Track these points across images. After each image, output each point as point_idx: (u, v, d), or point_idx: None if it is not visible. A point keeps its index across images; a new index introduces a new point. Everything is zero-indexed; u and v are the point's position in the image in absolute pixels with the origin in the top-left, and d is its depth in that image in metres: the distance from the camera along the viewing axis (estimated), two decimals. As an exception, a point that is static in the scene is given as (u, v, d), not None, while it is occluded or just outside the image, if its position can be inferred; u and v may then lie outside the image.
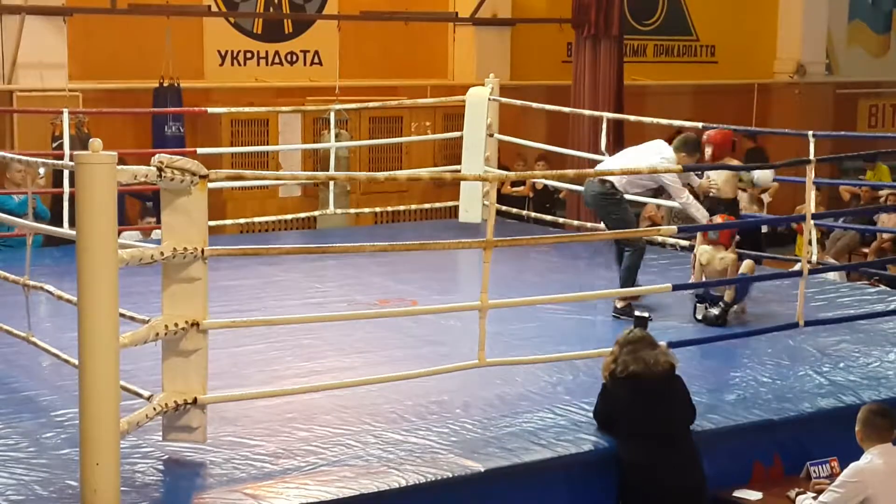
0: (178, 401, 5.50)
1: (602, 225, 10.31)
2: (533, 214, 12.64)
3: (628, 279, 8.57)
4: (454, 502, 5.60)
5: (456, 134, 12.64)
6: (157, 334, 5.39)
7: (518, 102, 12.38)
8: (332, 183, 12.31)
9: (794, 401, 6.79)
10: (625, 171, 8.30)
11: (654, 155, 8.65)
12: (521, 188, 14.48)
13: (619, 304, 8.49)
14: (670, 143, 8.90)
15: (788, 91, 19.07)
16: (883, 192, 14.78)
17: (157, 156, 5.33)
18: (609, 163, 8.98)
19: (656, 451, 5.84)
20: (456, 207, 12.42)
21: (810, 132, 9.70)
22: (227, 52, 14.92)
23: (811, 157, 8.97)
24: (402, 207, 13.20)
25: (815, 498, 5.98)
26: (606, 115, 11.72)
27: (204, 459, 5.58)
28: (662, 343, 6.52)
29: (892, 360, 7.63)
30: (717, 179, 8.83)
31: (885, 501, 5.81)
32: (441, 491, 5.53)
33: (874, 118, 20.51)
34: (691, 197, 8.71)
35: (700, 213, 8.66)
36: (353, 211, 12.93)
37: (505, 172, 11.88)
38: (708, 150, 8.81)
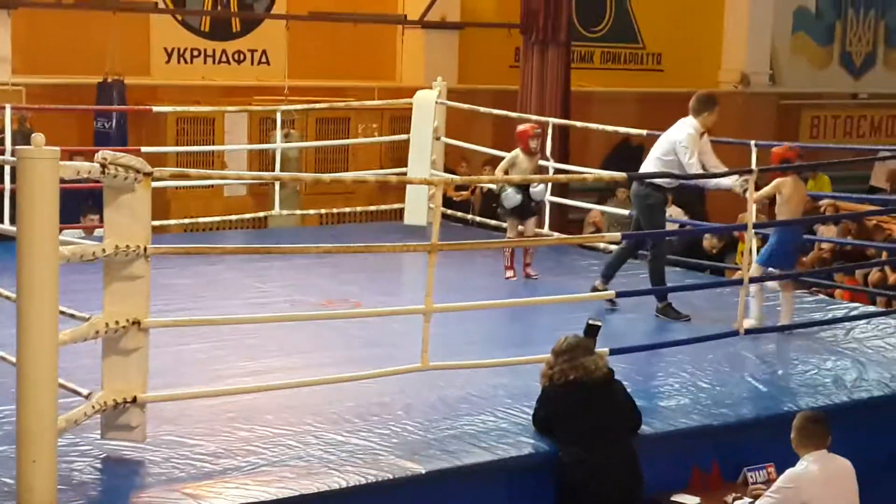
0: (117, 399, 5.46)
1: (537, 230, 10.50)
2: (478, 218, 12.67)
3: (658, 283, 8.87)
4: (394, 504, 5.61)
5: (403, 137, 12.65)
6: (98, 332, 5.35)
7: (465, 106, 12.41)
8: (277, 183, 12.26)
9: (733, 407, 6.87)
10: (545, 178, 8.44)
11: (679, 131, 8.77)
12: (466, 192, 14.51)
13: (661, 305, 8.82)
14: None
15: (732, 100, 19.22)
16: (823, 203, 14.97)
17: (100, 152, 5.29)
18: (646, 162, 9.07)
19: (594, 455, 5.87)
20: (401, 210, 12.42)
21: (752, 142, 9.81)
22: (173, 49, 14.83)
23: (753, 166, 9.06)
24: (347, 209, 13.18)
25: (752, 503, 6.05)
26: (552, 120, 11.78)
27: (143, 458, 5.55)
28: (601, 349, 6.58)
29: (829, 367, 7.74)
30: None
31: (820, 507, 5.89)
32: (382, 492, 5.54)
33: (816, 129, 20.77)
34: (698, 163, 8.67)
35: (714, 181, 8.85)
36: (298, 212, 12.89)
37: (451, 176, 11.91)
38: None
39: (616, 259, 9.11)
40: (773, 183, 8.51)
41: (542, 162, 11.41)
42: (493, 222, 12.34)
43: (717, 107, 8.88)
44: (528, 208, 10.02)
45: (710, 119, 8.78)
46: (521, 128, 10.09)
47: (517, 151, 9.97)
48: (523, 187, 9.82)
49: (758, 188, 8.29)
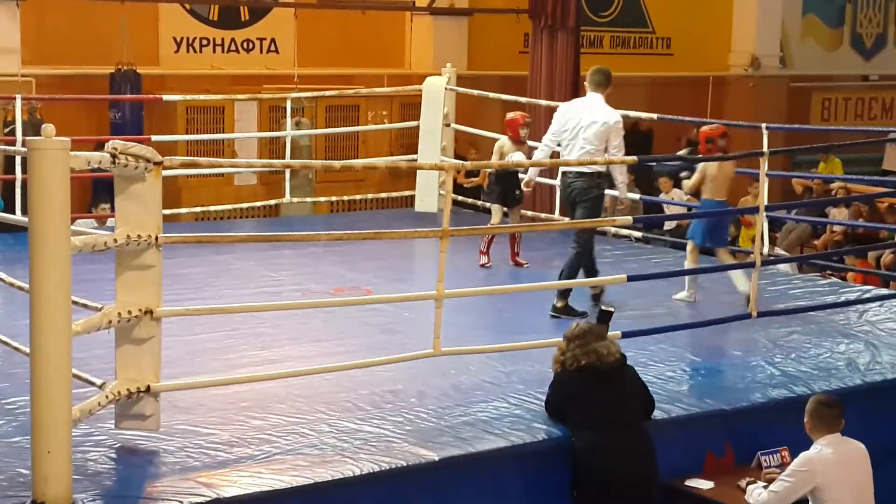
0: (130, 389, 5.47)
1: (558, 215, 10.39)
2: (488, 205, 12.64)
3: (571, 276, 8.36)
4: (408, 491, 5.61)
5: (412, 123, 12.64)
6: (110, 322, 5.35)
7: (475, 92, 12.39)
8: (288, 171, 12.26)
9: (746, 391, 6.86)
10: (581, 161, 8.29)
11: (605, 112, 8.51)
12: (477, 178, 14.47)
13: (559, 304, 8.33)
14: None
15: (743, 84, 19.20)
16: (834, 185, 14.94)
17: (111, 142, 5.29)
18: (568, 150, 8.67)
19: (608, 440, 5.87)
20: (412, 197, 12.42)
21: (764, 124, 9.77)
22: (182, 38, 14.82)
23: (765, 149, 9.04)
24: (358, 196, 13.19)
25: (765, 487, 6.04)
26: (563, 105, 11.72)
27: (157, 448, 5.56)
28: (614, 333, 6.58)
29: (842, 351, 7.72)
30: None
31: (834, 490, 5.88)
32: (395, 480, 5.54)
33: (827, 111, 20.71)
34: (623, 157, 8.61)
35: (624, 185, 8.74)
36: (308, 200, 12.89)
37: (461, 162, 11.89)
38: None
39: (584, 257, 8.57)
40: (699, 167, 8.92)
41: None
42: (505, 209, 12.33)
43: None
44: (512, 195, 9.92)
45: (608, 92, 8.65)
46: (510, 116, 10.04)
47: (504, 139, 9.94)
48: (510, 174, 9.79)
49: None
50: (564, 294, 8.31)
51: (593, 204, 8.43)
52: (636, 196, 10.71)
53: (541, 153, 8.81)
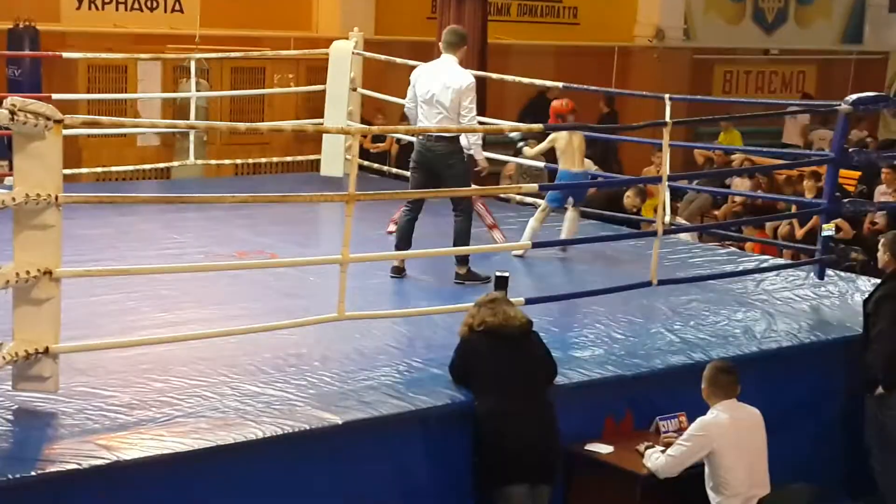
0: (28, 350, 5.39)
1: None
2: (394, 170, 12.64)
3: (465, 244, 8.28)
4: (311, 454, 5.62)
5: (319, 87, 12.54)
6: (8, 282, 5.26)
7: (382, 57, 12.33)
8: (191, 133, 12.10)
9: (646, 357, 6.97)
10: (494, 128, 8.32)
11: (458, 74, 8.29)
12: (383, 144, 14.46)
13: (461, 271, 8.32)
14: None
15: (647, 55, 19.39)
16: (735, 157, 15.19)
17: (9, 98, 5.18)
18: (425, 116, 8.39)
19: (510, 405, 5.93)
20: (318, 161, 12.35)
21: (667, 95, 9.87)
22: (84, -5, 14.53)
23: (667, 118, 9.15)
24: (263, 160, 13.08)
25: (663, 451, 6.16)
26: (470, 72, 11.72)
27: (56, 410, 5.48)
28: (517, 299, 6.64)
29: (739, 318, 7.88)
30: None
31: (730, 454, 6.02)
32: (298, 443, 5.54)
33: (728, 84, 21.02)
34: (477, 123, 8.55)
35: (477, 146, 8.64)
36: (213, 162, 12.75)
37: (367, 127, 11.85)
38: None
39: (463, 237, 8.38)
40: (549, 137, 9.24)
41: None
42: (409, 173, 12.33)
43: (468, 43, 8.77)
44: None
45: (462, 54, 8.55)
46: (556, 104, 9.54)
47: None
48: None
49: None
50: (463, 261, 8.30)
51: (460, 169, 8.29)
52: (488, 156, 10.26)
53: (411, 122, 8.66)
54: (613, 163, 15.90)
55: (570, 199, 9.44)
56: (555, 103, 9.20)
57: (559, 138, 9.12)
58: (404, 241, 8.31)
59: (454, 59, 8.39)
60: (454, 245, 8.29)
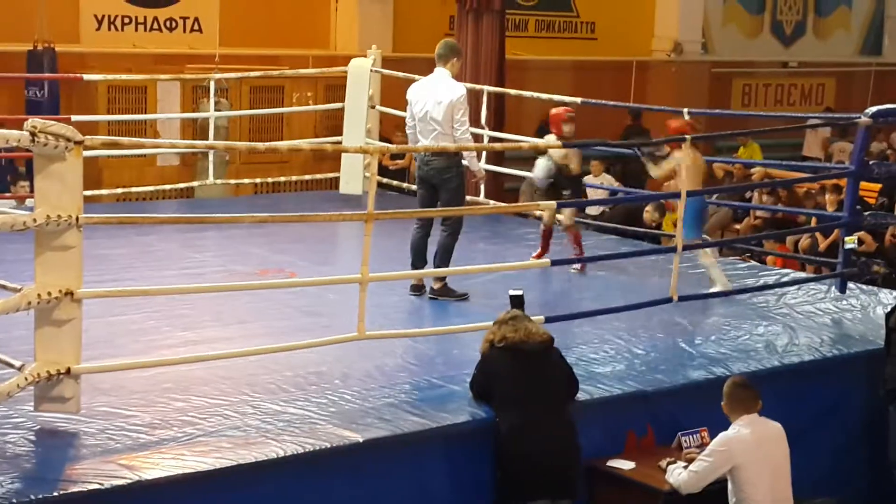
0: (50, 371, 5.40)
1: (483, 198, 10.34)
2: (413, 187, 12.65)
3: (445, 260, 8.22)
4: (332, 473, 5.62)
5: (337, 105, 12.58)
6: (30, 303, 5.28)
7: (400, 74, 12.35)
8: (211, 152, 12.15)
9: (667, 373, 6.94)
10: (502, 146, 8.30)
11: (446, 89, 8.21)
12: (402, 161, 14.48)
13: (437, 286, 8.24)
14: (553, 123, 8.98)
15: (665, 69, 19.38)
16: (755, 170, 15.15)
17: (30, 120, 5.21)
18: (421, 133, 8.34)
19: (531, 421, 5.92)
20: (337, 179, 12.37)
21: (685, 109, 9.87)
22: (103, 16, 14.62)
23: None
24: (282, 178, 13.11)
25: (685, 467, 6.13)
26: (487, 88, 11.76)
27: (77, 430, 5.49)
28: (537, 317, 6.64)
29: (761, 333, 7.84)
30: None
31: (752, 469, 5.99)
32: (319, 461, 5.54)
33: (747, 97, 20.99)
34: (470, 136, 8.37)
35: (474, 158, 8.55)
36: (232, 181, 12.78)
37: (386, 144, 11.87)
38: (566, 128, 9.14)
39: (445, 253, 8.28)
40: (674, 157, 8.65)
41: (476, 130, 11.40)
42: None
43: (461, 56, 8.58)
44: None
45: (457, 66, 8.41)
46: (554, 112, 9.42)
47: (551, 137, 9.27)
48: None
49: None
50: (441, 276, 8.21)
51: (456, 184, 8.23)
52: (486, 167, 10.11)
53: (410, 142, 8.58)
54: (642, 178, 15.83)
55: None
56: (672, 122, 8.93)
57: (685, 157, 8.40)
58: (419, 257, 8.28)
59: (446, 73, 8.32)
60: (435, 259, 8.22)
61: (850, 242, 8.64)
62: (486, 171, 11.14)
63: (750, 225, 14.22)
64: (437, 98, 8.18)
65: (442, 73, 8.33)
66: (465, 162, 8.45)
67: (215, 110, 12.35)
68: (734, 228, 14.47)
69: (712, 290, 8.46)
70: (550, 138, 9.20)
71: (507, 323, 6.21)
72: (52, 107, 12.80)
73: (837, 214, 9.80)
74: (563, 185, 9.16)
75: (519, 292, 6.96)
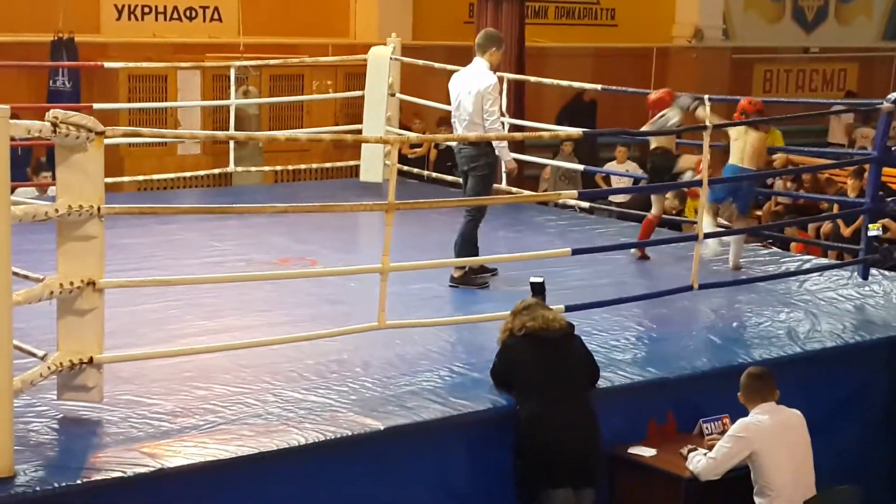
0: (73, 360, 5.43)
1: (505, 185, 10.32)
2: (434, 174, 12.66)
3: (465, 247, 8.22)
4: (354, 460, 5.63)
5: (357, 93, 12.59)
6: (52, 293, 5.31)
7: (420, 62, 12.35)
8: (231, 142, 12.16)
9: (689, 360, 6.93)
10: (529, 133, 8.26)
11: (476, 79, 8.27)
12: (421, 149, 14.47)
13: (457, 274, 8.27)
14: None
15: (686, 55, 19.29)
16: (776, 157, 15.07)
17: (51, 111, 5.23)
18: (456, 121, 8.47)
19: (552, 409, 5.92)
20: (357, 166, 12.38)
21: (706, 96, 9.82)
22: (124, 6, 14.63)
23: (707, 121, 9.10)
24: (303, 166, 13.13)
25: (706, 454, 6.12)
26: (507, 75, 11.74)
27: (100, 418, 5.53)
28: (557, 306, 6.63)
29: (782, 319, 7.82)
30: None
31: (772, 455, 5.98)
32: (340, 449, 5.56)
33: (769, 83, 20.87)
34: (500, 126, 8.40)
35: (505, 149, 8.44)
36: (253, 169, 12.81)
37: (406, 133, 11.87)
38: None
39: (467, 242, 8.31)
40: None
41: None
42: (449, 178, 12.33)
43: (503, 45, 8.54)
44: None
45: (496, 56, 8.39)
46: (655, 96, 9.47)
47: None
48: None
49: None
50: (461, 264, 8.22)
51: (483, 172, 8.28)
52: (515, 156, 9.94)
53: (453, 129, 8.63)
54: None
55: (731, 201, 9.11)
56: (742, 102, 9.11)
57: (734, 129, 8.90)
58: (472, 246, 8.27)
59: (482, 63, 8.34)
60: (455, 246, 8.25)
61: (875, 229, 8.60)
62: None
63: (771, 211, 14.16)
64: (469, 88, 8.24)
65: (478, 63, 8.35)
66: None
67: (245, 98, 12.35)
68: (755, 215, 14.41)
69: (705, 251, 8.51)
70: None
71: (522, 312, 6.21)
72: (73, 96, 12.85)
73: (860, 201, 9.75)
74: (665, 172, 9.26)
75: (540, 279, 6.96)
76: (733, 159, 8.97)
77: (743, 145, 8.90)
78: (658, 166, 9.31)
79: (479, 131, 8.16)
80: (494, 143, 8.30)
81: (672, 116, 9.13)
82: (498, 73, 10.53)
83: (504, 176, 10.48)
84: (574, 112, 16.66)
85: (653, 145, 9.41)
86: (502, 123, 8.58)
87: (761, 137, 9.01)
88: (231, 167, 12.12)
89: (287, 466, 5.43)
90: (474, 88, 8.21)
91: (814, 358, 7.28)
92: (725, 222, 9.64)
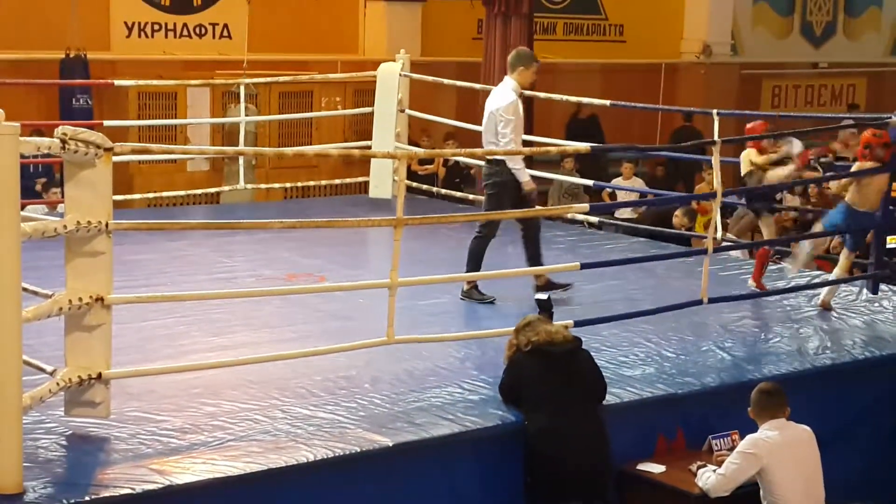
0: (81, 376, 5.43)
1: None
2: (443, 191, 12.67)
3: (470, 262, 8.24)
4: (362, 477, 5.62)
5: (366, 109, 12.61)
6: (61, 309, 5.31)
7: (429, 78, 12.37)
8: (241, 158, 12.18)
9: (697, 375, 6.91)
10: (539, 149, 8.21)
11: (495, 98, 8.30)
12: (431, 166, 14.49)
13: (466, 287, 8.26)
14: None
15: (695, 71, 19.31)
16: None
17: (60, 127, 5.25)
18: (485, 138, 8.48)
19: (561, 424, 5.90)
20: (366, 183, 12.39)
21: (715, 111, 9.84)
22: (134, 23, 14.70)
23: (715, 135, 9.11)
24: (312, 183, 13.15)
25: (715, 471, 6.10)
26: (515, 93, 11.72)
27: (109, 435, 5.53)
28: (566, 322, 6.63)
29: (792, 335, 7.80)
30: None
31: (782, 471, 5.96)
32: (349, 466, 5.55)
33: (777, 98, 20.88)
34: (517, 137, 8.26)
35: (520, 170, 8.27)
36: (263, 186, 12.83)
37: (415, 149, 11.88)
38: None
39: (472, 256, 8.31)
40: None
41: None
42: (457, 194, 12.34)
43: (535, 63, 8.40)
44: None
45: (525, 75, 8.33)
46: (750, 126, 9.01)
47: (750, 151, 8.90)
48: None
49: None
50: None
51: (493, 191, 8.28)
52: (531, 173, 9.85)
53: None
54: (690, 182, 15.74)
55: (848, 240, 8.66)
56: (867, 133, 8.37)
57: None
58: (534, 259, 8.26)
59: (510, 82, 8.34)
60: (467, 262, 8.25)
61: (893, 242, 8.55)
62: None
63: (781, 226, 14.14)
64: (489, 107, 8.30)
65: (505, 83, 8.38)
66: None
67: (246, 115, 12.38)
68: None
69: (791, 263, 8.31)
70: (751, 152, 8.89)
71: (524, 329, 6.22)
72: (86, 113, 12.91)
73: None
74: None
75: (545, 296, 6.95)
76: (855, 201, 8.33)
77: (871, 189, 8.28)
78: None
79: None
80: (509, 164, 8.24)
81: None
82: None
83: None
84: (575, 128, 16.66)
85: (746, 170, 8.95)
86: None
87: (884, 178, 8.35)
88: (241, 184, 12.11)
89: (296, 483, 5.42)
90: (492, 107, 8.26)
91: (824, 374, 7.26)
92: (733, 237, 9.63)
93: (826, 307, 8.39)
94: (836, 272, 8.55)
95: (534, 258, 8.36)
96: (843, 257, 8.61)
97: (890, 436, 7.58)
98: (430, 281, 7.71)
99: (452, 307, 8.17)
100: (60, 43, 13.20)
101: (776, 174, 8.73)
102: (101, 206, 5.36)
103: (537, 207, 8.51)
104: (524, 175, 8.35)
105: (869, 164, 8.27)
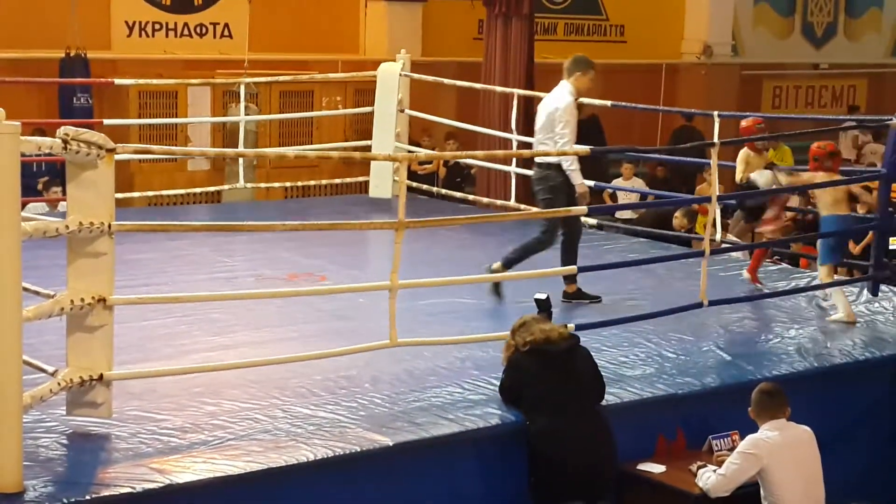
0: (83, 377, 5.44)
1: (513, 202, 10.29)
2: (443, 191, 12.67)
3: (516, 256, 8.27)
4: (362, 476, 5.63)
5: (367, 109, 12.62)
6: (62, 309, 5.32)
7: (429, 78, 12.38)
8: (242, 158, 12.19)
9: (698, 376, 6.92)
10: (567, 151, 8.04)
11: (552, 99, 8.33)
12: (431, 165, 14.50)
13: (569, 290, 8.29)
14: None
15: (695, 71, 19.31)
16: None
17: (62, 128, 5.26)
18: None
19: (563, 422, 5.91)
20: (366, 182, 12.40)
21: (716, 112, 9.83)
22: (134, 23, 14.71)
23: (715, 137, 9.12)
24: (312, 182, 13.16)
25: (715, 471, 6.11)
26: (517, 91, 11.76)
27: (109, 434, 5.53)
28: (568, 325, 6.63)
29: (792, 336, 7.81)
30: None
31: (782, 472, 5.97)
32: (349, 465, 5.55)
33: (778, 99, 20.89)
34: (572, 143, 8.24)
35: (575, 171, 8.20)
36: (263, 185, 12.84)
37: (416, 149, 11.88)
38: None
39: (526, 248, 8.34)
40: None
41: (505, 135, 11.39)
42: (457, 194, 12.34)
43: (591, 69, 8.37)
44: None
45: (582, 81, 8.33)
46: (744, 124, 8.95)
47: (747, 151, 8.89)
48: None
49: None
50: (572, 278, 8.24)
51: (545, 195, 8.27)
52: (591, 183, 10.31)
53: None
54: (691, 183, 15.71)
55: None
56: (814, 145, 8.40)
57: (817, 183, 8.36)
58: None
59: (566, 85, 8.33)
60: (514, 253, 8.27)
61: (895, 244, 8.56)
62: (517, 174, 11.15)
63: (782, 227, 14.13)
64: (545, 108, 8.32)
65: (561, 86, 8.37)
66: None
67: (246, 114, 12.41)
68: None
69: (835, 316, 8.19)
70: (747, 153, 8.88)
71: (520, 329, 6.22)
72: (86, 112, 12.92)
73: (869, 216, 9.74)
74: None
75: (544, 296, 6.95)
76: (828, 210, 8.36)
77: (832, 195, 8.32)
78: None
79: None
80: (564, 165, 8.19)
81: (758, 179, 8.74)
82: (508, 90, 10.54)
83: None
84: (580, 129, 16.62)
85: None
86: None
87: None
88: (241, 183, 12.13)
89: (296, 482, 5.43)
90: (547, 108, 8.27)
91: (824, 374, 7.27)
92: (734, 238, 9.63)
93: (852, 320, 8.21)
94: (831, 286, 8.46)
95: (568, 266, 8.19)
96: (827, 275, 8.47)
97: (890, 437, 7.59)
98: (431, 283, 7.71)
99: (452, 307, 8.17)
100: (61, 42, 13.20)
101: (762, 176, 8.77)
102: (103, 206, 5.37)
103: (536, 209, 8.45)
104: (578, 177, 8.23)
105: (821, 176, 8.27)
